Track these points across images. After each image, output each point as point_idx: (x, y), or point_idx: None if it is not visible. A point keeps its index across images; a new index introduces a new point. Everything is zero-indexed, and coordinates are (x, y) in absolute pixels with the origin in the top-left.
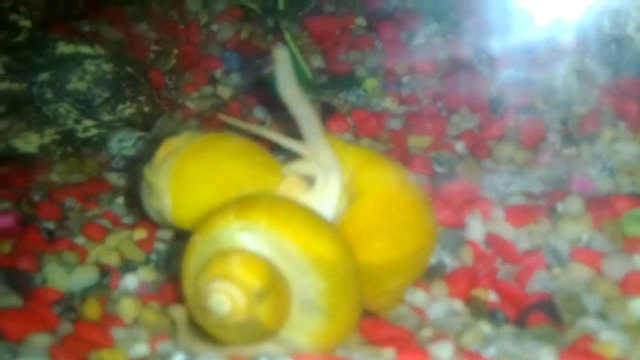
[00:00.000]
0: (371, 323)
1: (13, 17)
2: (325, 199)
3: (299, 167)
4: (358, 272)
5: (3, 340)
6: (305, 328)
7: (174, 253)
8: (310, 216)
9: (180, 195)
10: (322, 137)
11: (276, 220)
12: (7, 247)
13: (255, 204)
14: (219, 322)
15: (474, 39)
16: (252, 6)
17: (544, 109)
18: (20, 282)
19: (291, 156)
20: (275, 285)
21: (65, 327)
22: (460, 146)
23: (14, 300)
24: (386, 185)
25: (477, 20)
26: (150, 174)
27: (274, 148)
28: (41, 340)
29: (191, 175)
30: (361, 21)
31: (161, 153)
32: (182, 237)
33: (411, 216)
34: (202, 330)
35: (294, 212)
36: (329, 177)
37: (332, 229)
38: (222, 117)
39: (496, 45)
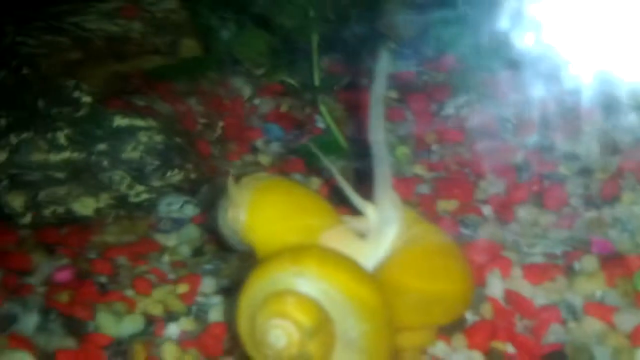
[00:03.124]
0: None
1: (76, 94)
2: (375, 252)
3: (354, 222)
4: (392, 320)
5: None
6: None
7: (213, 305)
8: (355, 266)
9: (253, 212)
10: (392, 191)
11: (325, 268)
12: (65, 297)
13: (308, 253)
14: (275, 355)
15: (500, 110)
16: (292, 82)
17: (567, 175)
18: (75, 328)
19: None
20: (323, 325)
21: None
22: (486, 210)
23: (69, 342)
24: (428, 241)
25: (503, 91)
26: (232, 187)
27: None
28: None
29: (265, 199)
30: (393, 94)
31: (245, 180)
32: (222, 291)
33: (447, 268)
34: None
35: (341, 262)
36: (385, 233)
37: (373, 279)
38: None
39: (521, 114)
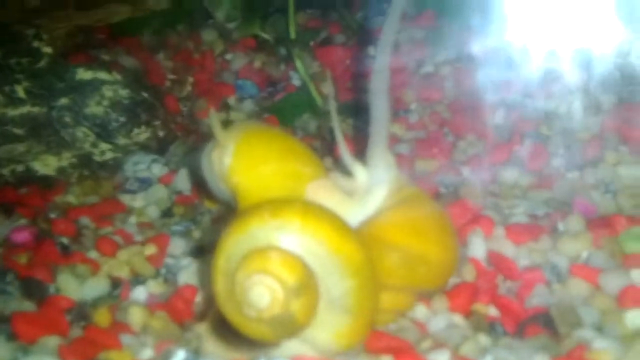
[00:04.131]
0: (371, 334)
1: (35, 43)
2: (361, 210)
3: (342, 180)
4: (376, 278)
5: (15, 341)
6: (330, 326)
7: (183, 267)
8: (339, 221)
9: (239, 154)
10: (387, 152)
11: (308, 222)
12: (23, 259)
13: (289, 206)
14: (256, 315)
15: (480, 68)
16: (266, 36)
17: (548, 135)
18: (35, 291)
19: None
20: (308, 283)
21: (75, 332)
22: (466, 171)
23: (27, 306)
24: (416, 205)
25: (483, 49)
26: (219, 129)
27: None
28: (52, 342)
29: (253, 142)
30: (370, 50)
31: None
32: (192, 253)
33: (434, 233)
34: (228, 336)
35: (324, 216)
36: (374, 192)
37: (357, 234)
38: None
39: (502, 74)
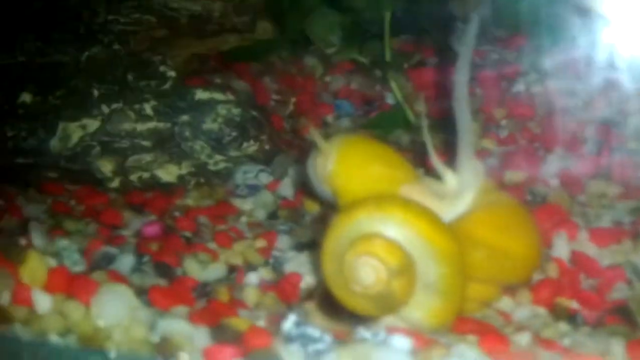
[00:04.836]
0: (457, 319)
1: (162, 68)
2: (451, 210)
3: (433, 184)
4: (465, 269)
5: (152, 307)
6: (423, 306)
7: (289, 259)
8: (434, 216)
9: (339, 161)
10: (474, 159)
11: (409, 215)
12: (155, 247)
13: (392, 201)
14: (362, 291)
15: (570, 86)
16: (362, 60)
17: (636, 149)
18: (165, 272)
19: None
20: (407, 266)
21: (200, 304)
22: (555, 182)
23: (161, 282)
24: (503, 206)
25: (574, 70)
26: (321, 140)
27: None
28: (182, 310)
29: (351, 150)
30: None
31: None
32: (297, 248)
33: (518, 231)
34: (332, 313)
35: (422, 211)
36: (462, 196)
37: (450, 229)
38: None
39: (591, 92)
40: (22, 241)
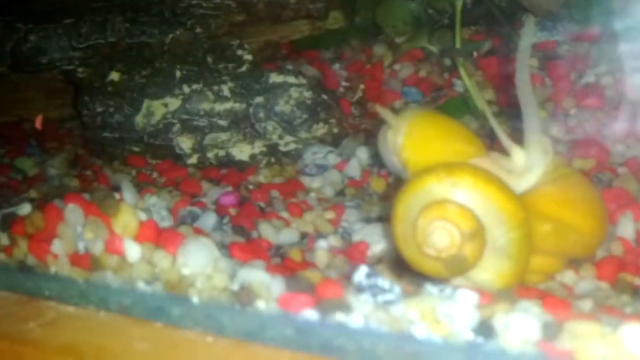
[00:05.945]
0: (522, 288)
1: (239, 52)
2: (520, 183)
3: (501, 159)
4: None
5: (232, 259)
6: (493, 269)
7: (356, 230)
8: (504, 183)
9: (409, 134)
10: (543, 137)
11: (479, 181)
12: (233, 212)
13: (462, 167)
14: (435, 254)
15: None
16: (432, 48)
17: None
18: (242, 233)
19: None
20: (478, 231)
21: (275, 261)
22: (622, 170)
23: (239, 239)
24: (571, 181)
25: None
26: (391, 115)
27: None
28: (259, 263)
29: (421, 124)
30: (533, 62)
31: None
32: (364, 220)
33: (585, 206)
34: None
35: (492, 178)
36: (531, 171)
37: (519, 197)
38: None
39: None
40: (116, 195)
